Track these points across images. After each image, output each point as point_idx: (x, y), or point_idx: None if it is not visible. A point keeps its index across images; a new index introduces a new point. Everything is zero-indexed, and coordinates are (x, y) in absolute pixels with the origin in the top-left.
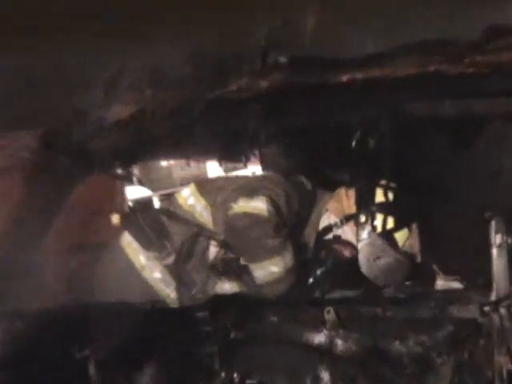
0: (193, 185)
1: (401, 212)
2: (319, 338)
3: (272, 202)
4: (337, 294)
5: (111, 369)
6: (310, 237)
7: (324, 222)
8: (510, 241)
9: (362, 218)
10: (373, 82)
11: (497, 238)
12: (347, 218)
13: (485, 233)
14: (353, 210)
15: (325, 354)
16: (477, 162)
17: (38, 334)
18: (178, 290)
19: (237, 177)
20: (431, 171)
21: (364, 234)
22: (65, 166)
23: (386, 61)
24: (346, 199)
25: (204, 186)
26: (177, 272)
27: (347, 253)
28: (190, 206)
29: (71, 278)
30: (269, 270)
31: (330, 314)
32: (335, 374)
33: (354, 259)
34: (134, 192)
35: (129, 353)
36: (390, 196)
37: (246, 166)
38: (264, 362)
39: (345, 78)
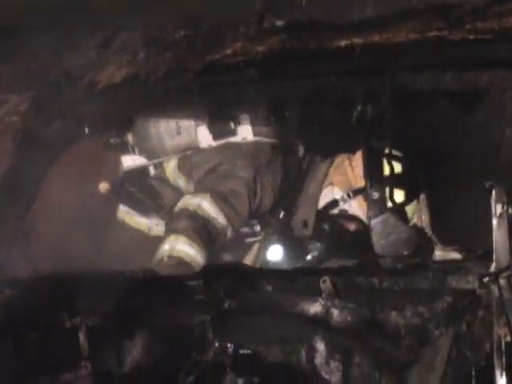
0: (177, 159)
1: (410, 184)
2: (315, 308)
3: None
4: (333, 264)
5: (101, 338)
6: (309, 213)
7: (328, 196)
8: (510, 211)
9: (374, 195)
10: (372, 48)
11: (497, 208)
12: (355, 193)
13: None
14: (359, 182)
15: (320, 324)
16: (478, 131)
17: (28, 302)
18: None
19: (214, 150)
20: (433, 139)
21: (376, 211)
22: (55, 130)
23: (386, 26)
24: (350, 171)
25: (184, 161)
26: None
27: (352, 227)
28: (174, 179)
29: (61, 244)
30: None
31: (326, 284)
32: (331, 344)
33: (359, 233)
34: (129, 161)
35: (120, 322)
36: (397, 167)
37: (235, 132)
38: (258, 331)
39: (343, 43)
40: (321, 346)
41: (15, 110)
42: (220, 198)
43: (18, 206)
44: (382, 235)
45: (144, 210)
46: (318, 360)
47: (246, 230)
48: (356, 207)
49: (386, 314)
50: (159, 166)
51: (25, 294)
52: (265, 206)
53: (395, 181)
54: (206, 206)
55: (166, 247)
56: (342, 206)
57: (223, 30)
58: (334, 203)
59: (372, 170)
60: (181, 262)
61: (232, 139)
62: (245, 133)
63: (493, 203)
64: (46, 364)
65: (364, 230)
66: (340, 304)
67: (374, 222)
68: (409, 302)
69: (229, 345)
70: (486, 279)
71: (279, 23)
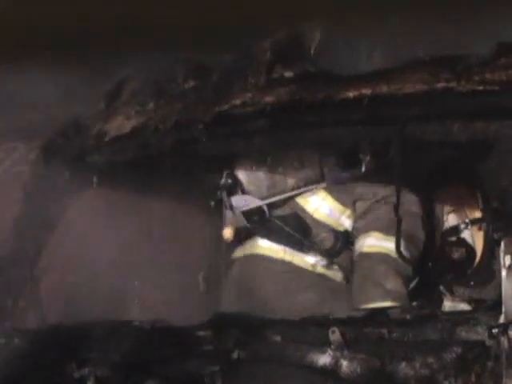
0: (322, 190)
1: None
2: (324, 359)
3: (410, 240)
4: (342, 315)
5: None
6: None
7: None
8: None
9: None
10: (380, 99)
11: (506, 260)
12: (473, 222)
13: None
14: (474, 211)
15: (329, 375)
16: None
17: (37, 352)
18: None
19: (378, 182)
20: None
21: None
22: (64, 180)
23: (394, 77)
24: (466, 199)
25: (337, 191)
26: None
27: (456, 254)
28: (322, 213)
29: (69, 293)
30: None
31: (334, 335)
32: None
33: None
34: (240, 201)
35: (129, 372)
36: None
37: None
38: (267, 382)
39: (351, 94)
40: None
41: (24, 159)
42: (410, 242)
43: (27, 256)
44: None
45: (299, 247)
46: None
47: None
48: (466, 234)
49: (396, 365)
50: (281, 205)
51: (34, 344)
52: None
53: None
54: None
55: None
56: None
57: (232, 81)
58: (454, 231)
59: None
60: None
61: (357, 172)
62: (367, 166)
63: (502, 254)
64: None
65: (469, 258)
66: (349, 355)
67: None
68: (418, 353)
69: None
70: (495, 330)
71: (288, 74)
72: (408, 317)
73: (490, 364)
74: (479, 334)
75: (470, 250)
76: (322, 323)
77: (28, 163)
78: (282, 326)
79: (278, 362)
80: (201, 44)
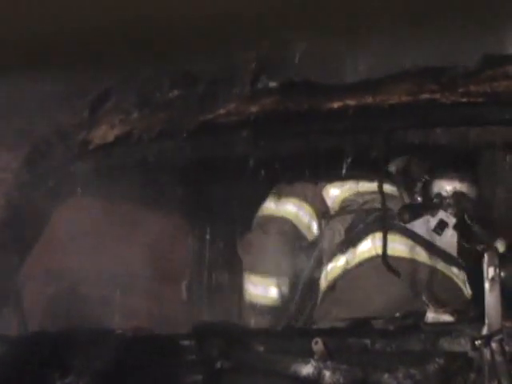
0: None
1: None
2: (307, 370)
3: None
4: (325, 325)
5: None
6: None
7: None
8: (503, 274)
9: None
10: (365, 109)
11: (489, 272)
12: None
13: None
14: None
15: None
16: None
17: (20, 360)
18: None
19: None
20: None
21: None
22: (47, 188)
23: (379, 87)
24: None
25: None
26: None
27: None
28: None
29: (50, 303)
30: None
31: (318, 345)
32: None
33: None
34: None
35: (111, 381)
36: None
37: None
38: None
39: (336, 105)
40: None
41: (7, 166)
42: None
43: (10, 264)
44: None
45: None
46: None
47: None
48: None
49: (379, 376)
50: None
51: (16, 352)
52: None
53: None
54: None
55: None
56: None
57: (217, 91)
58: None
59: None
60: None
61: None
62: None
63: (485, 266)
64: None
65: None
66: (332, 365)
67: None
68: (401, 364)
69: None
70: (478, 342)
71: (272, 84)
72: (391, 328)
73: (472, 375)
74: (462, 345)
75: None
76: (306, 333)
77: (11, 171)
78: (266, 336)
79: (262, 372)
80: (186, 54)
